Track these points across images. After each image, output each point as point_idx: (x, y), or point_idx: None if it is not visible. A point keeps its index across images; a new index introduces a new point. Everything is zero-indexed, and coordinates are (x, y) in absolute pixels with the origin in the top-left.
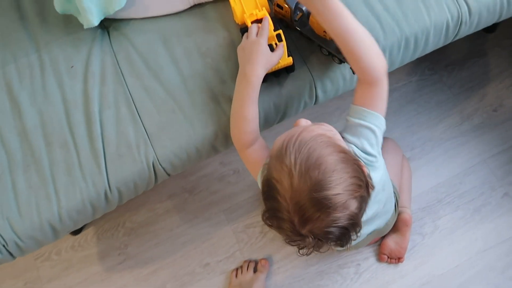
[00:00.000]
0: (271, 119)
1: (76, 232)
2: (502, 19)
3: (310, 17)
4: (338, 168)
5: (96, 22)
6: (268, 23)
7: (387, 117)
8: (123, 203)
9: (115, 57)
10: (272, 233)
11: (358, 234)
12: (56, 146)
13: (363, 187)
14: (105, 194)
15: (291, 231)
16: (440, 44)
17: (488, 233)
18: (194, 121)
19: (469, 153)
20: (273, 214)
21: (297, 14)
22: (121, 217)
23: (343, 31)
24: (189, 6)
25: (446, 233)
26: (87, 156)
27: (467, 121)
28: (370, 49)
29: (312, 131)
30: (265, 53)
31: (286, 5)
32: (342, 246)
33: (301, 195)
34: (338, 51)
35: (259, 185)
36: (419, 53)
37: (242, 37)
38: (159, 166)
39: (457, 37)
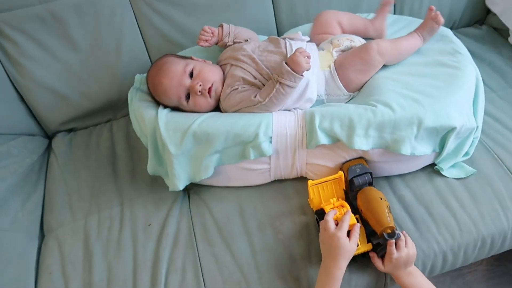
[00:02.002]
0: None
1: None
2: None
3: (359, 192)
4: None
5: (181, 187)
6: (349, 216)
7: None
8: None
9: (191, 220)
10: None
11: None
12: None
13: None
14: None
15: None
16: None
17: None
18: None
19: None
20: None
21: (354, 186)
22: None
23: None
24: (269, 181)
25: None
26: None
27: None
28: None
29: None
30: (345, 246)
31: (346, 174)
32: None
33: None
34: (371, 234)
35: None
36: (494, 252)
37: (316, 219)
38: None
39: None
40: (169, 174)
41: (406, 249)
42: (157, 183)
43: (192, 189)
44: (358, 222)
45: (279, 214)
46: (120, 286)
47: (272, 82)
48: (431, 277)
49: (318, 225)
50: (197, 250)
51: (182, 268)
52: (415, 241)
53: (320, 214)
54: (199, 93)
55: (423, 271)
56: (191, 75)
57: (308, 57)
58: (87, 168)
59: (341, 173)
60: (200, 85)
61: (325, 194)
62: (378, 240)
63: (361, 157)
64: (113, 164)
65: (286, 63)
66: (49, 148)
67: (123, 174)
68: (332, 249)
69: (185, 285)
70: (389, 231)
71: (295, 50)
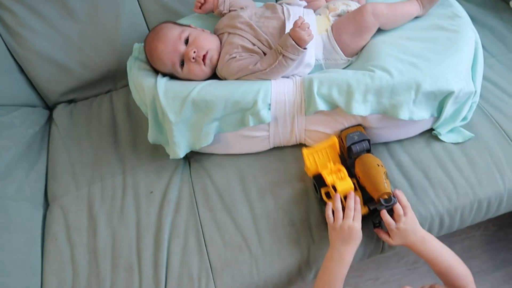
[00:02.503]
0: None
1: None
2: None
3: (357, 159)
4: None
5: (181, 155)
6: (360, 206)
7: None
8: None
9: (193, 187)
10: None
11: None
12: (121, 270)
13: None
14: None
15: None
16: None
17: None
18: (259, 261)
19: None
20: None
21: (352, 154)
22: None
23: (440, 267)
24: (268, 148)
25: None
26: (149, 283)
27: None
28: (462, 274)
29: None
30: (360, 235)
31: (345, 142)
32: None
33: None
34: (369, 200)
35: None
36: (491, 215)
37: (314, 184)
38: None
39: None
40: (169, 142)
41: (403, 215)
42: (158, 151)
43: (193, 157)
44: (355, 187)
45: (279, 181)
46: (125, 251)
47: (275, 53)
48: None
49: (316, 191)
50: (199, 215)
51: (185, 233)
52: (413, 204)
53: (318, 179)
54: (193, 60)
55: None
56: (186, 42)
57: (308, 27)
58: (89, 138)
59: (334, 138)
60: (194, 52)
61: (321, 161)
62: (375, 206)
63: (359, 125)
64: (115, 133)
65: (290, 35)
66: (50, 119)
67: (125, 144)
68: (351, 239)
69: (187, 249)
70: (386, 197)
71: (294, 25)
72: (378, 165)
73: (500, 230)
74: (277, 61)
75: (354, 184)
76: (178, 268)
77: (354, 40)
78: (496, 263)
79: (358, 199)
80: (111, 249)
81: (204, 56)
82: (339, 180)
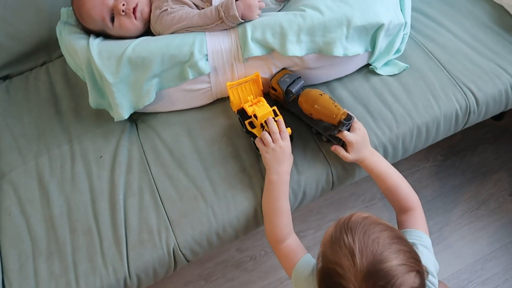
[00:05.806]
0: (290, 204)
1: None
2: (509, 108)
3: (299, 98)
4: (395, 241)
5: (126, 116)
6: (285, 126)
7: None
8: None
9: (142, 147)
10: None
11: None
12: (80, 233)
13: (420, 263)
14: (125, 281)
15: None
16: (451, 132)
17: None
18: (215, 208)
19: (488, 238)
20: None
21: (290, 96)
22: None
23: (387, 183)
24: (212, 100)
25: None
26: (110, 243)
27: (483, 205)
28: (408, 194)
29: (361, 214)
30: (290, 152)
31: (279, 88)
32: None
33: (367, 270)
34: (325, 130)
35: (293, 281)
36: (431, 141)
37: (239, 118)
38: (179, 252)
39: (467, 125)
40: (111, 104)
41: (360, 128)
42: (103, 117)
43: (139, 118)
44: (276, 113)
45: (226, 130)
46: (81, 216)
47: (215, 15)
48: None
49: (242, 124)
50: (151, 173)
51: (139, 191)
52: None
53: (241, 112)
54: (123, 13)
55: None
56: None
57: (261, 7)
58: (30, 112)
59: (257, 73)
60: (123, 4)
61: (244, 95)
62: (337, 129)
63: (283, 68)
64: (56, 104)
65: (237, 8)
66: None
67: (67, 113)
68: (284, 157)
69: (144, 206)
70: (344, 116)
71: (251, 3)
72: (321, 94)
73: (447, 160)
74: (215, 24)
75: (274, 110)
76: (137, 225)
77: None
78: (446, 190)
79: (281, 120)
80: (67, 216)
81: (134, 9)
82: (258, 108)
